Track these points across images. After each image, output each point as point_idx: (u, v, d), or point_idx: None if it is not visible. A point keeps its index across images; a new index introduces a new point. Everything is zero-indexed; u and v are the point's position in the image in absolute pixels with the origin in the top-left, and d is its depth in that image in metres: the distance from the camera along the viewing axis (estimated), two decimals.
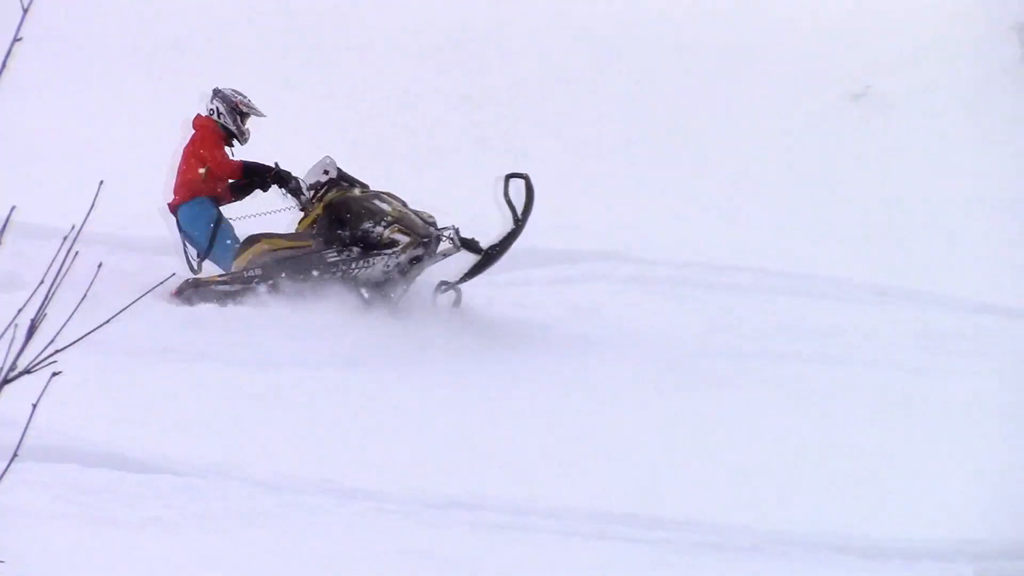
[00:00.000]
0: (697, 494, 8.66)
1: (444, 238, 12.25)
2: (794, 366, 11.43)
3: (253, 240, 12.17)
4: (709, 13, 19.87)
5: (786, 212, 15.71)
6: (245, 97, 12.14)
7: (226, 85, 12.20)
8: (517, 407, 10.21)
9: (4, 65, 3.56)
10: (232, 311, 11.64)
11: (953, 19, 19.47)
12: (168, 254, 12.53)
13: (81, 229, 3.82)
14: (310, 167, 12.16)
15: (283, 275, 12.03)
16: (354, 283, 12.01)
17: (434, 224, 12.23)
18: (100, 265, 3.75)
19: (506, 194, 12.31)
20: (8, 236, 3.90)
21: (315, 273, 12.00)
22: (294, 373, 10.40)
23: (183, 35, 16.80)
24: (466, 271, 12.42)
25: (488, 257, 12.40)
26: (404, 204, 12.26)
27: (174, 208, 12.15)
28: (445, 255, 12.32)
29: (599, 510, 8.25)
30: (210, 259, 12.21)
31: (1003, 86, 18.35)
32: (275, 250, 12.07)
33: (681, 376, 11.04)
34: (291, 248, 12.06)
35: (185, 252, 12.19)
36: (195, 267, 12.18)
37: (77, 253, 3.72)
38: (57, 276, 3.70)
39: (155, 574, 6.94)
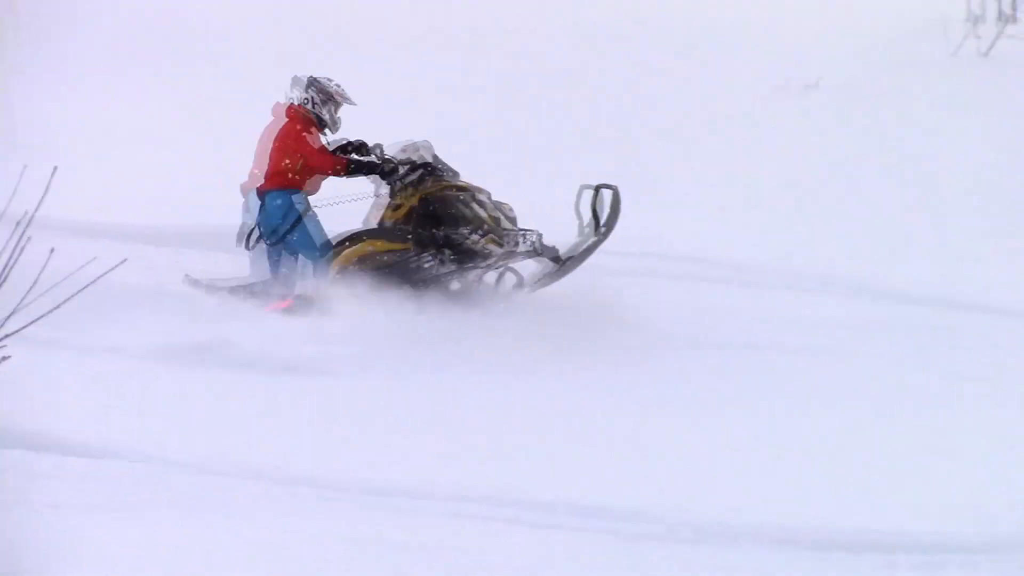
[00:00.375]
0: None
1: (525, 244, 12.28)
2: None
3: (355, 239, 12.10)
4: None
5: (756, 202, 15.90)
6: (340, 87, 12.21)
7: (321, 74, 12.18)
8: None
9: None
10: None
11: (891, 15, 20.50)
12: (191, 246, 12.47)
13: (34, 215, 3.79)
14: (403, 143, 12.14)
15: (380, 282, 12.05)
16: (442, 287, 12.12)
17: (515, 222, 12.22)
18: (52, 251, 3.71)
19: (594, 203, 11.81)
20: None
21: (412, 283, 12.02)
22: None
23: (198, 28, 16.78)
24: (540, 277, 12.35)
25: (564, 267, 12.15)
26: (489, 196, 12.31)
27: (262, 193, 12.13)
28: (524, 258, 12.38)
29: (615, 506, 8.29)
30: (288, 247, 12.06)
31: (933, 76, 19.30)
32: (377, 252, 12.10)
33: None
34: (391, 252, 12.11)
35: (247, 232, 12.05)
36: (248, 245, 12.11)
37: (30, 238, 3.69)
38: (8, 263, 3.66)
39: None
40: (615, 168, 15.81)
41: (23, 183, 6.19)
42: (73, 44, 15.15)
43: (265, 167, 11.97)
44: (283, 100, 12.00)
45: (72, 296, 4.02)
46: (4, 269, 3.64)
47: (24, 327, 3.66)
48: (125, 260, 10.21)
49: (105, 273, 4.53)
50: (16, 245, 3.70)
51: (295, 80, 12.01)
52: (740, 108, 18.38)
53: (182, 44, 15.80)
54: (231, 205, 11.98)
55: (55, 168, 3.95)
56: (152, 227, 9.69)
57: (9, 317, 3.55)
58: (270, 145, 11.87)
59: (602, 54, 19.40)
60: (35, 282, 3.80)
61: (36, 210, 3.82)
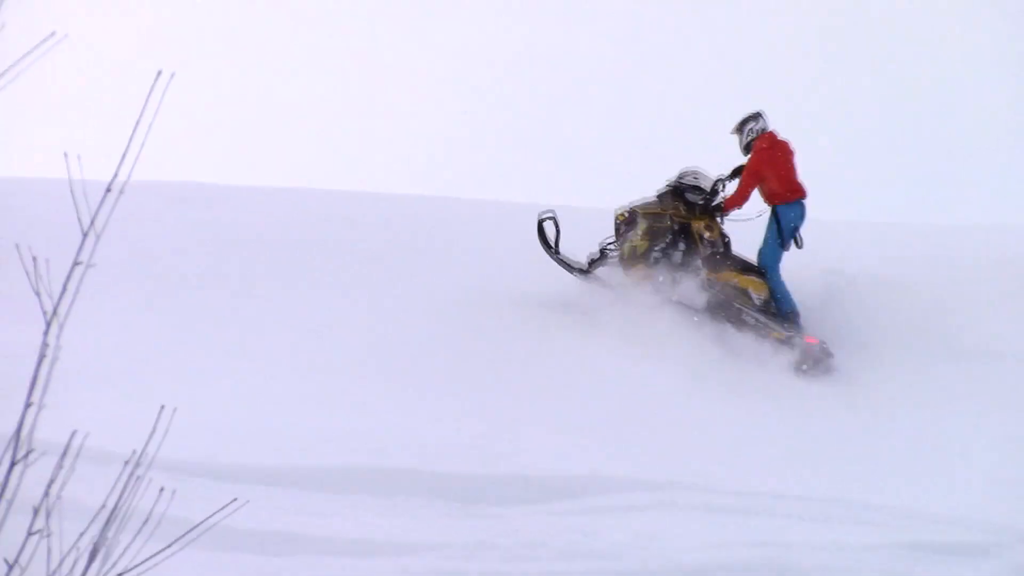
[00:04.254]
0: None
1: None
2: None
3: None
4: None
5: None
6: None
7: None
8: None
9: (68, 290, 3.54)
10: None
11: None
12: (232, 481, 12.42)
13: (142, 454, 3.76)
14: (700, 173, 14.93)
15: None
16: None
17: None
18: (163, 490, 3.69)
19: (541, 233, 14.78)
20: (70, 461, 3.84)
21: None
22: None
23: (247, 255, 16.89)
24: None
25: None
26: None
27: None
28: None
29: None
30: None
31: None
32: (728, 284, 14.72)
33: None
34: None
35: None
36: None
37: (139, 478, 3.66)
38: (118, 504, 3.62)
39: None
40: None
41: (129, 422, 6.20)
42: (125, 272, 15.23)
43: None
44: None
45: (182, 538, 3.98)
46: (115, 510, 3.60)
47: (135, 567, 3.60)
48: (235, 501, 10.24)
49: (214, 514, 4.50)
50: (126, 485, 3.66)
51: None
52: None
53: (300, 270, 15.85)
54: (347, 444, 11.86)
55: (162, 407, 3.93)
56: (266, 466, 9.65)
57: (119, 559, 3.49)
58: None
59: None
60: (145, 522, 3.77)
61: (144, 449, 3.78)
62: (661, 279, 14.55)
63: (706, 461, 10.73)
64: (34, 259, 3.71)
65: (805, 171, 14.72)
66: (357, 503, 8.83)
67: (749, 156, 14.67)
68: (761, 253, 14.74)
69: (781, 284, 14.58)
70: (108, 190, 3.75)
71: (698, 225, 14.76)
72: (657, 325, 14.10)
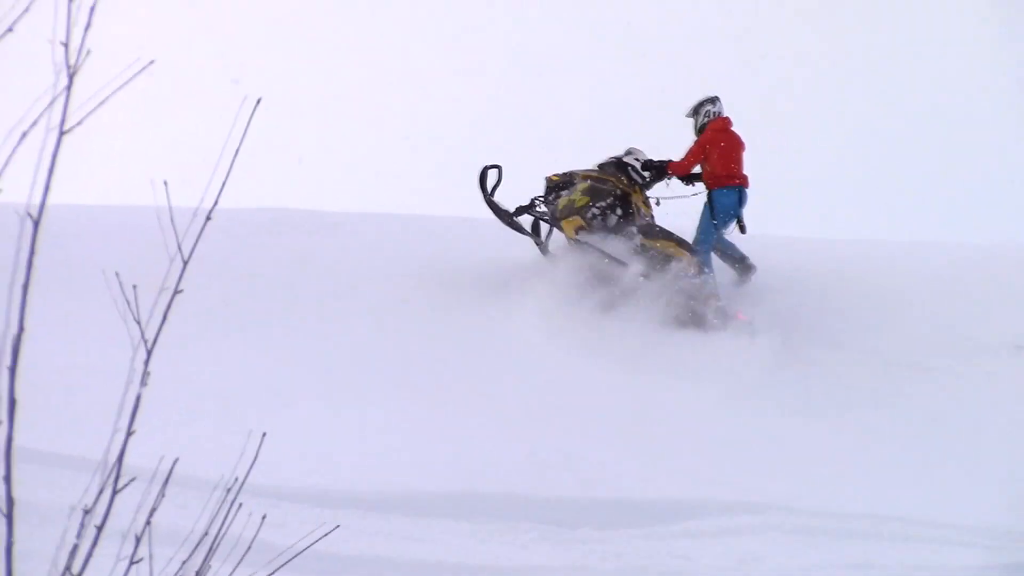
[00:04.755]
0: None
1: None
2: None
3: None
4: None
5: None
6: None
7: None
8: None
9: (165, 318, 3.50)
10: None
11: None
12: (327, 507, 12.41)
13: (244, 482, 3.72)
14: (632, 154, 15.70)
15: None
16: None
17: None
18: (264, 517, 3.65)
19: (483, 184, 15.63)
20: (163, 487, 3.80)
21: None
22: None
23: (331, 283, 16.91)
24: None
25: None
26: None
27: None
28: None
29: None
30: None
31: None
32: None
33: None
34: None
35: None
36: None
37: (241, 505, 3.62)
38: (219, 532, 3.58)
39: None
40: None
41: (222, 448, 6.16)
42: (218, 301, 15.26)
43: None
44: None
45: (279, 563, 3.93)
46: (216, 538, 3.55)
47: None
48: (334, 527, 10.24)
49: (315, 542, 4.46)
50: (226, 513, 3.61)
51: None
52: None
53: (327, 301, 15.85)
54: (442, 469, 11.78)
55: (259, 433, 3.89)
56: (361, 492, 9.62)
57: None
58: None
59: None
60: (247, 550, 3.72)
61: (246, 477, 3.73)
62: (594, 233, 15.26)
63: (797, 482, 10.64)
64: (122, 285, 3.69)
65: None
66: (454, 528, 8.77)
67: (701, 134, 15.38)
68: (696, 232, 15.35)
69: (709, 263, 15.23)
70: (208, 218, 3.73)
71: (638, 197, 15.50)
72: (713, 351, 14.23)
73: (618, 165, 15.60)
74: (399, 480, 9.95)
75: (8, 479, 2.95)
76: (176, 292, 3.61)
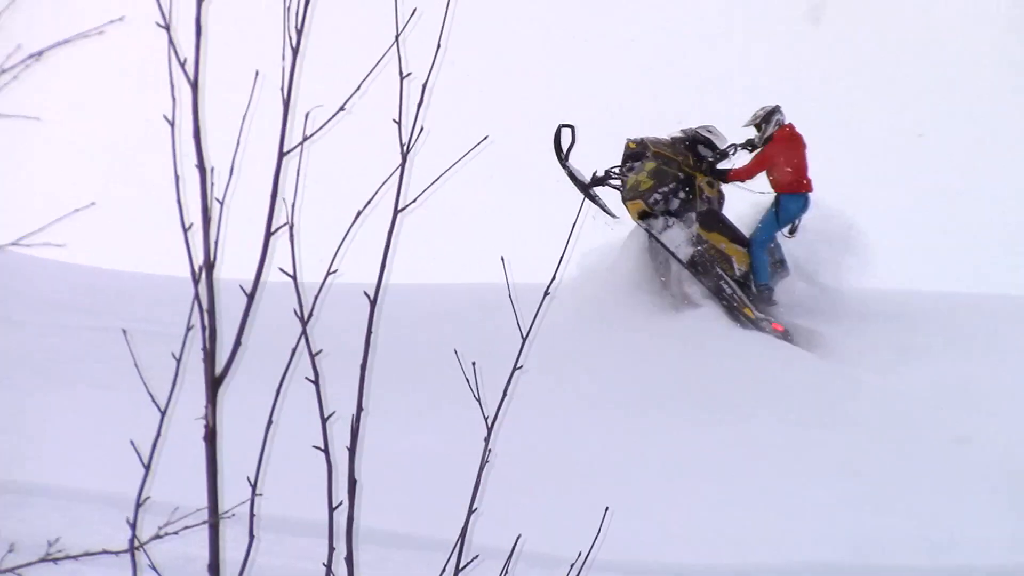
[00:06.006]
0: None
1: None
2: None
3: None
4: None
5: None
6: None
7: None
8: None
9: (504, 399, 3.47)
10: None
11: None
12: None
13: (587, 558, 3.67)
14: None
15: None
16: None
17: None
18: None
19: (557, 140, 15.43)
20: (514, 565, 3.77)
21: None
22: None
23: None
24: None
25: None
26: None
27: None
28: None
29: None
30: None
31: None
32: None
33: None
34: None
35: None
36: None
37: None
38: None
39: None
40: None
41: (569, 524, 6.12)
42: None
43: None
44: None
45: None
46: None
47: None
48: None
49: None
50: None
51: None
52: None
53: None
54: (782, 540, 11.49)
55: (607, 508, 3.83)
56: (705, 566, 9.50)
57: None
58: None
59: None
60: None
61: (589, 551, 3.68)
62: (656, 219, 15.33)
63: None
64: (461, 363, 3.71)
65: None
66: None
67: (767, 144, 15.42)
68: (755, 230, 15.53)
69: (763, 258, 15.43)
70: (547, 293, 3.75)
71: (701, 179, 15.47)
72: None
73: (688, 142, 15.62)
74: (739, 553, 9.80)
75: (350, 559, 2.94)
76: (515, 368, 3.60)
